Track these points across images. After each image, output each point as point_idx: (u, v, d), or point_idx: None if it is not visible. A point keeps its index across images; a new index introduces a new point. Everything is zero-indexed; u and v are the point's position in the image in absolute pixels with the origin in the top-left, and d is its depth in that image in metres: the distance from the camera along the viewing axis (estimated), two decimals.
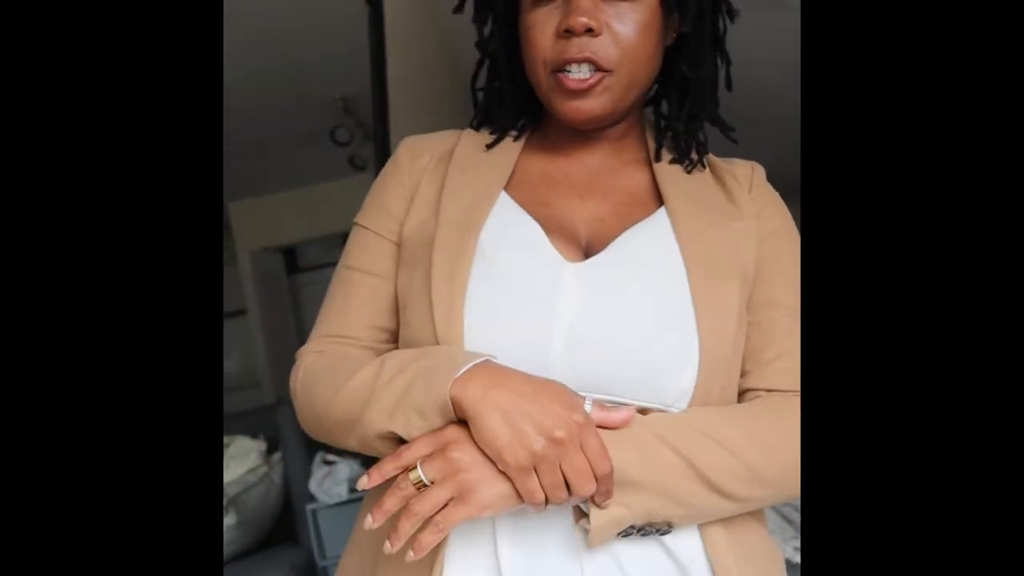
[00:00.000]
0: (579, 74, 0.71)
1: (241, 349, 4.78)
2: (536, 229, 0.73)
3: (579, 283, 0.69)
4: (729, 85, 0.82)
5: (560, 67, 0.72)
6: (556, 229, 0.74)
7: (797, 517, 2.45)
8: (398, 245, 0.78)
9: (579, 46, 0.70)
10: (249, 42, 2.67)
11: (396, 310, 0.77)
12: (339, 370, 0.70)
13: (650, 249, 0.72)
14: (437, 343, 0.68)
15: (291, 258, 5.50)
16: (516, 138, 0.83)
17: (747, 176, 0.81)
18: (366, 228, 0.80)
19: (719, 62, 0.81)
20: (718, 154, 0.84)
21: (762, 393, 0.73)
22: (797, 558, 2.22)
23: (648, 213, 0.76)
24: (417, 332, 0.70)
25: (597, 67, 0.71)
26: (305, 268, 5.48)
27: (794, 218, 0.75)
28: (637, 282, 0.70)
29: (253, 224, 4.88)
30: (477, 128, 0.86)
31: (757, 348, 0.74)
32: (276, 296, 5.10)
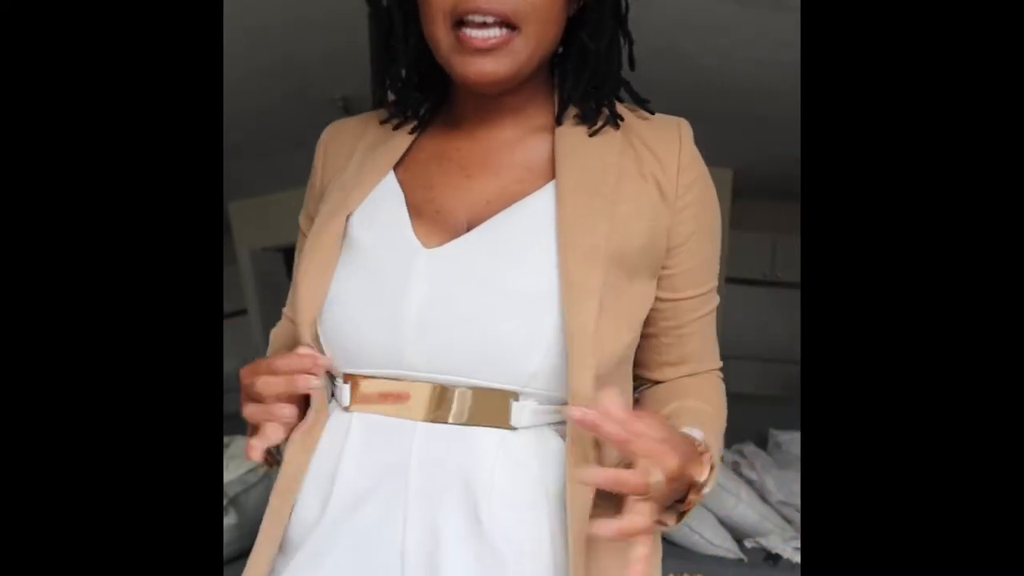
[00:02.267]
0: (484, 32, 0.67)
1: (241, 349, 4.77)
2: (402, 214, 0.73)
3: (430, 269, 0.69)
4: (631, 64, 0.79)
5: (461, 18, 0.67)
6: (431, 213, 0.73)
7: (797, 517, 2.46)
8: None
9: None
10: (249, 42, 2.66)
11: None
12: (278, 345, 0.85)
13: (521, 230, 0.70)
14: (300, 327, 0.72)
15: (291, 258, 5.49)
16: (415, 115, 0.80)
17: (674, 155, 0.76)
18: (300, 226, 0.86)
19: (622, 41, 0.78)
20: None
21: (685, 378, 0.80)
22: (797, 558, 2.22)
23: (535, 188, 0.73)
24: (296, 316, 0.75)
25: (503, 22, 0.67)
26: None
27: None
28: (493, 264, 0.69)
29: (253, 224, 4.88)
30: (381, 105, 0.83)
31: (675, 355, 0.80)
32: (276, 296, 5.09)
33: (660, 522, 0.67)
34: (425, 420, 0.69)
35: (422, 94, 0.80)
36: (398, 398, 0.70)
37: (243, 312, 4.86)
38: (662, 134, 0.77)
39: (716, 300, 0.82)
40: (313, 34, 2.76)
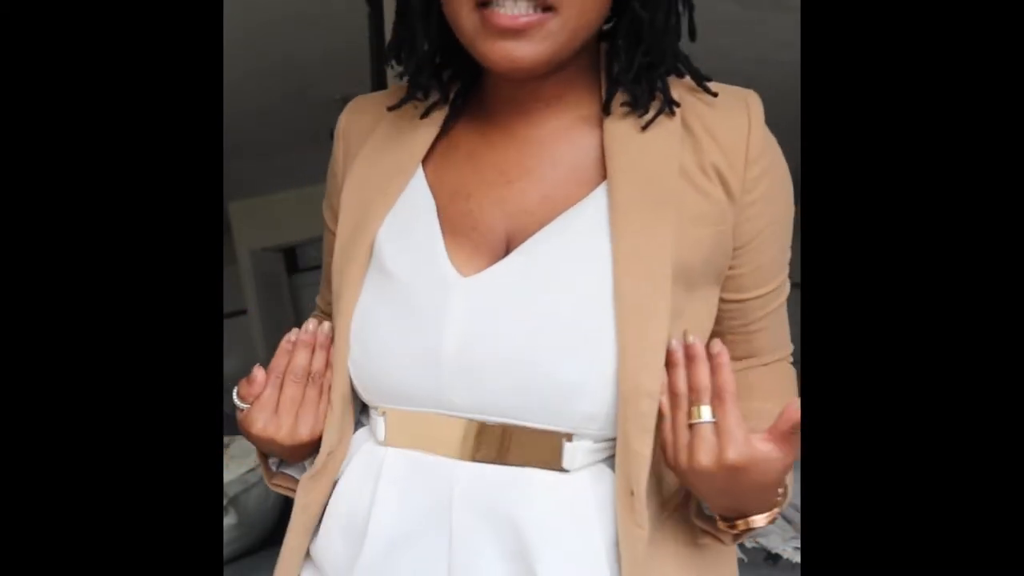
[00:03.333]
0: (513, 9, 0.56)
1: (241, 349, 4.78)
2: (435, 233, 0.64)
3: (468, 302, 0.61)
4: (693, 35, 0.67)
5: (483, 1, 0.57)
6: (467, 230, 0.64)
7: (797, 517, 2.46)
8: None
9: None
10: (249, 42, 2.67)
11: None
12: None
13: (569, 249, 0.61)
14: (334, 362, 0.68)
15: (291, 258, 5.50)
16: (441, 101, 0.69)
17: (740, 138, 0.64)
18: (324, 215, 0.79)
19: (681, 7, 0.66)
20: None
21: (752, 372, 0.73)
22: (797, 558, 2.22)
23: (585, 194, 0.63)
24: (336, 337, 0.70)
25: (538, 2, 0.56)
26: (305, 268, 5.48)
27: (794, 218, 0.74)
28: (538, 293, 0.60)
29: (253, 224, 4.89)
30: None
31: (743, 347, 0.72)
32: (276, 296, 5.11)
33: (715, 536, 0.64)
34: (467, 459, 0.62)
35: (448, 77, 0.69)
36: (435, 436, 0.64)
37: (243, 312, 4.87)
38: (727, 118, 0.65)
39: (787, 291, 0.73)
40: (313, 34, 2.76)
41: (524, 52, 0.58)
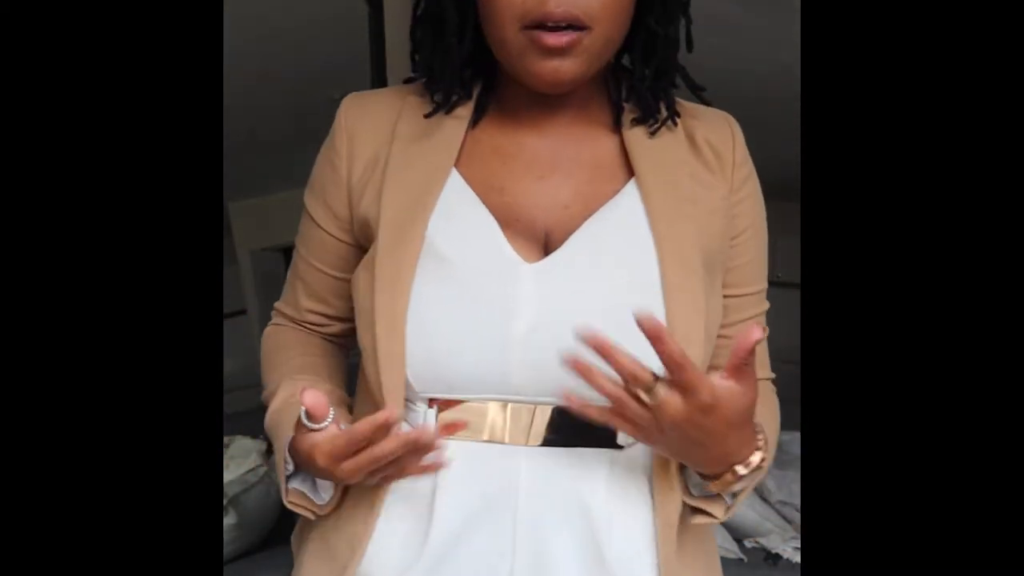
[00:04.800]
0: (556, 34, 0.63)
1: (241, 349, 4.77)
2: (491, 223, 0.67)
3: (538, 287, 0.65)
4: (690, 45, 0.75)
5: (536, 23, 0.63)
6: (512, 221, 0.68)
7: (797, 517, 2.45)
8: (335, 238, 0.75)
9: (557, 1, 0.62)
10: (249, 42, 2.66)
11: (338, 296, 0.77)
12: (272, 363, 0.77)
13: (617, 237, 0.67)
14: (378, 357, 0.65)
15: (291, 258, 5.49)
16: (464, 104, 0.73)
17: (728, 147, 0.74)
18: (308, 212, 0.77)
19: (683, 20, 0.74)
20: None
21: None
22: (797, 558, 2.22)
23: (616, 189, 0.70)
24: (364, 340, 0.68)
25: (576, 22, 0.63)
26: None
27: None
28: (598, 281, 0.65)
29: (253, 224, 4.88)
30: (426, 89, 0.75)
31: (723, 357, 0.73)
32: (276, 296, 5.09)
33: (708, 513, 0.67)
34: (532, 444, 0.65)
35: (473, 82, 0.74)
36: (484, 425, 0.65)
37: (243, 312, 4.86)
38: (716, 128, 0.75)
39: (765, 305, 0.78)
40: (314, 35, 2.76)
41: (568, 67, 0.65)
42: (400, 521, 0.67)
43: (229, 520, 2.53)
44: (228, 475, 2.69)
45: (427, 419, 0.67)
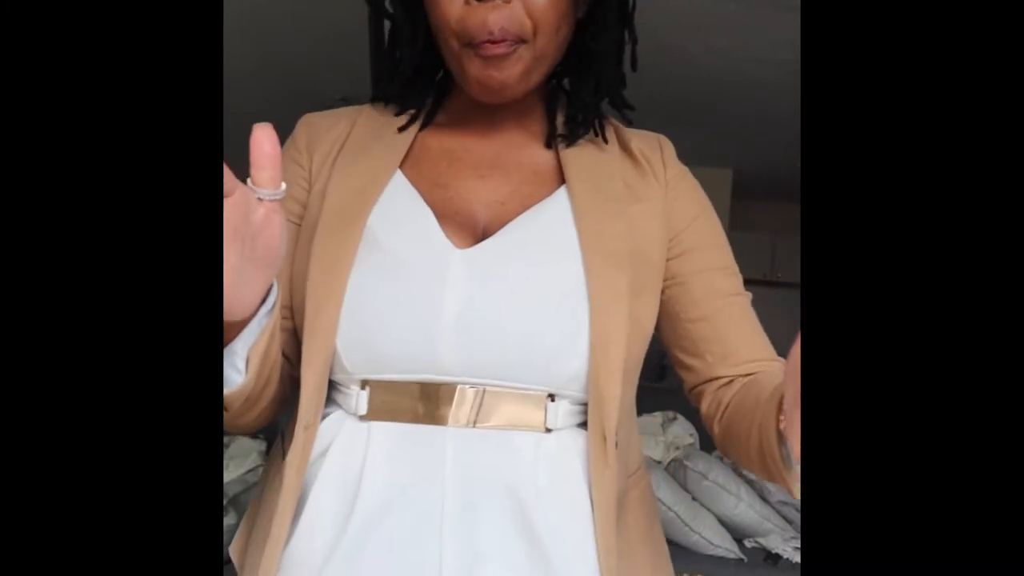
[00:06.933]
0: (496, 46, 0.68)
1: None
2: (427, 214, 0.71)
3: (467, 270, 0.68)
4: (634, 65, 0.81)
5: (468, 41, 0.68)
6: (451, 214, 0.72)
7: (797, 517, 2.46)
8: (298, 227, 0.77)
9: (485, 19, 0.66)
10: (249, 42, 2.67)
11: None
12: None
13: (545, 231, 0.71)
14: (306, 330, 0.68)
15: None
16: (417, 114, 0.79)
17: (658, 156, 0.80)
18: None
19: (626, 38, 0.79)
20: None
21: (742, 378, 0.74)
22: (797, 558, 2.22)
23: (548, 193, 0.74)
24: (297, 319, 0.71)
25: (514, 38, 0.68)
26: None
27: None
28: (527, 267, 0.69)
29: None
30: (385, 102, 0.81)
31: (714, 339, 0.76)
32: None
33: (790, 486, 0.65)
34: (459, 426, 0.67)
35: (424, 92, 0.80)
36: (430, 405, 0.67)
37: None
38: (647, 141, 0.82)
39: (740, 285, 0.81)
40: (313, 34, 2.77)
41: (504, 75, 0.69)
42: (328, 498, 0.68)
43: (229, 520, 2.54)
44: (228, 475, 2.70)
45: (359, 401, 0.69)
